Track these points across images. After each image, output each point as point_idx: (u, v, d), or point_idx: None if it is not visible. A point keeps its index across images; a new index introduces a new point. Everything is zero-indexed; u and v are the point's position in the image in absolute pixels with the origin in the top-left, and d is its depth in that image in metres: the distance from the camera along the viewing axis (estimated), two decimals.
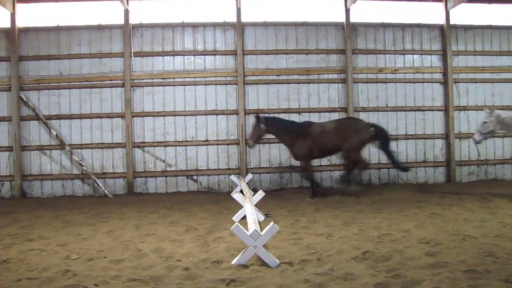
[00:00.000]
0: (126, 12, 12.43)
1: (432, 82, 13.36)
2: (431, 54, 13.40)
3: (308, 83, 12.97)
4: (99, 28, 12.58)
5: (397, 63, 13.31)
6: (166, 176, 12.64)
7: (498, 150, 13.55)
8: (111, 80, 12.54)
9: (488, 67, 13.53)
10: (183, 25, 12.79)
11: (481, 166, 13.51)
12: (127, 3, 12.36)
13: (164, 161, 12.63)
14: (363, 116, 12.97)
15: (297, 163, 11.60)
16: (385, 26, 13.26)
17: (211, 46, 12.84)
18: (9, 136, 12.22)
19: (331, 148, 11.06)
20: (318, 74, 13.01)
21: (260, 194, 8.69)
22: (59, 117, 12.39)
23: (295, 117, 12.76)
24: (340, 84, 13.05)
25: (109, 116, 12.51)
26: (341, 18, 13.03)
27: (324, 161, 12.78)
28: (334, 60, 13.09)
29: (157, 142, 12.62)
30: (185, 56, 12.77)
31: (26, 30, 12.40)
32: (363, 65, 13.15)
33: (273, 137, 12.47)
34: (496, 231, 6.62)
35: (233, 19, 12.78)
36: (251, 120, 12.49)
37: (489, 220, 7.50)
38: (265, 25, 12.93)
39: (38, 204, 10.79)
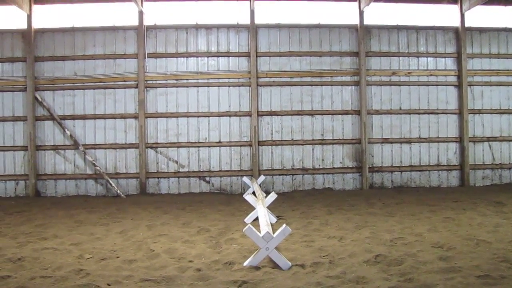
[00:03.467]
0: (141, 13, 12.51)
1: (446, 85, 13.24)
2: (445, 57, 13.29)
3: (321, 85, 12.94)
4: (114, 29, 12.68)
5: (411, 65, 13.21)
6: (178, 177, 12.69)
7: None
8: (125, 81, 12.63)
9: (503, 70, 13.38)
10: (197, 27, 12.84)
11: (495, 170, 13.35)
12: (142, 5, 12.44)
13: (177, 162, 12.68)
14: (376, 118, 12.93)
15: None
16: (399, 28, 13.18)
17: (224, 48, 12.87)
18: (24, 136, 12.36)
19: None
20: (331, 76, 12.96)
21: (273, 196, 8.69)
22: (73, 117, 12.51)
23: (308, 119, 12.78)
24: (353, 87, 13.00)
25: (123, 116, 12.60)
26: (355, 21, 12.99)
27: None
28: (348, 62, 13.05)
29: (170, 143, 12.67)
30: (199, 58, 12.81)
31: (42, 31, 12.54)
32: (377, 67, 13.08)
33: (286, 139, 12.53)
34: (511, 236, 6.55)
35: (246, 21, 12.80)
36: (264, 122, 12.60)
37: (504, 225, 7.42)
38: (278, 27, 12.93)
39: (51, 204, 10.89)
